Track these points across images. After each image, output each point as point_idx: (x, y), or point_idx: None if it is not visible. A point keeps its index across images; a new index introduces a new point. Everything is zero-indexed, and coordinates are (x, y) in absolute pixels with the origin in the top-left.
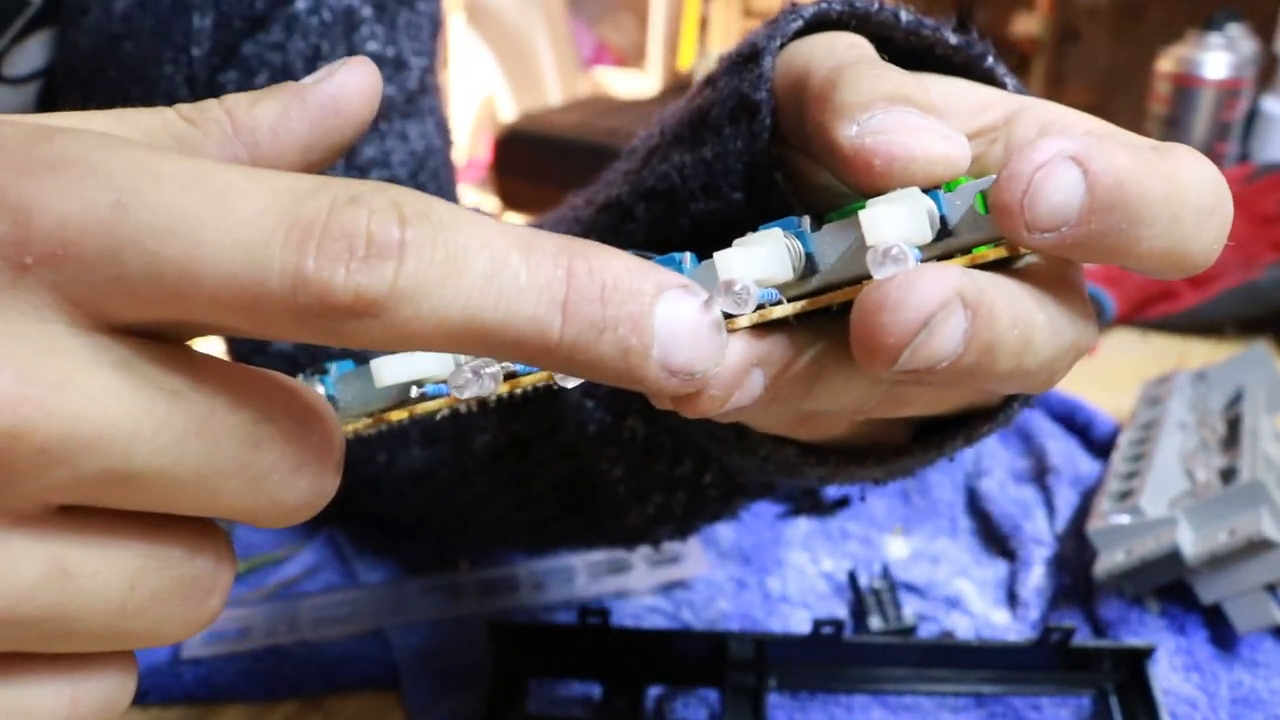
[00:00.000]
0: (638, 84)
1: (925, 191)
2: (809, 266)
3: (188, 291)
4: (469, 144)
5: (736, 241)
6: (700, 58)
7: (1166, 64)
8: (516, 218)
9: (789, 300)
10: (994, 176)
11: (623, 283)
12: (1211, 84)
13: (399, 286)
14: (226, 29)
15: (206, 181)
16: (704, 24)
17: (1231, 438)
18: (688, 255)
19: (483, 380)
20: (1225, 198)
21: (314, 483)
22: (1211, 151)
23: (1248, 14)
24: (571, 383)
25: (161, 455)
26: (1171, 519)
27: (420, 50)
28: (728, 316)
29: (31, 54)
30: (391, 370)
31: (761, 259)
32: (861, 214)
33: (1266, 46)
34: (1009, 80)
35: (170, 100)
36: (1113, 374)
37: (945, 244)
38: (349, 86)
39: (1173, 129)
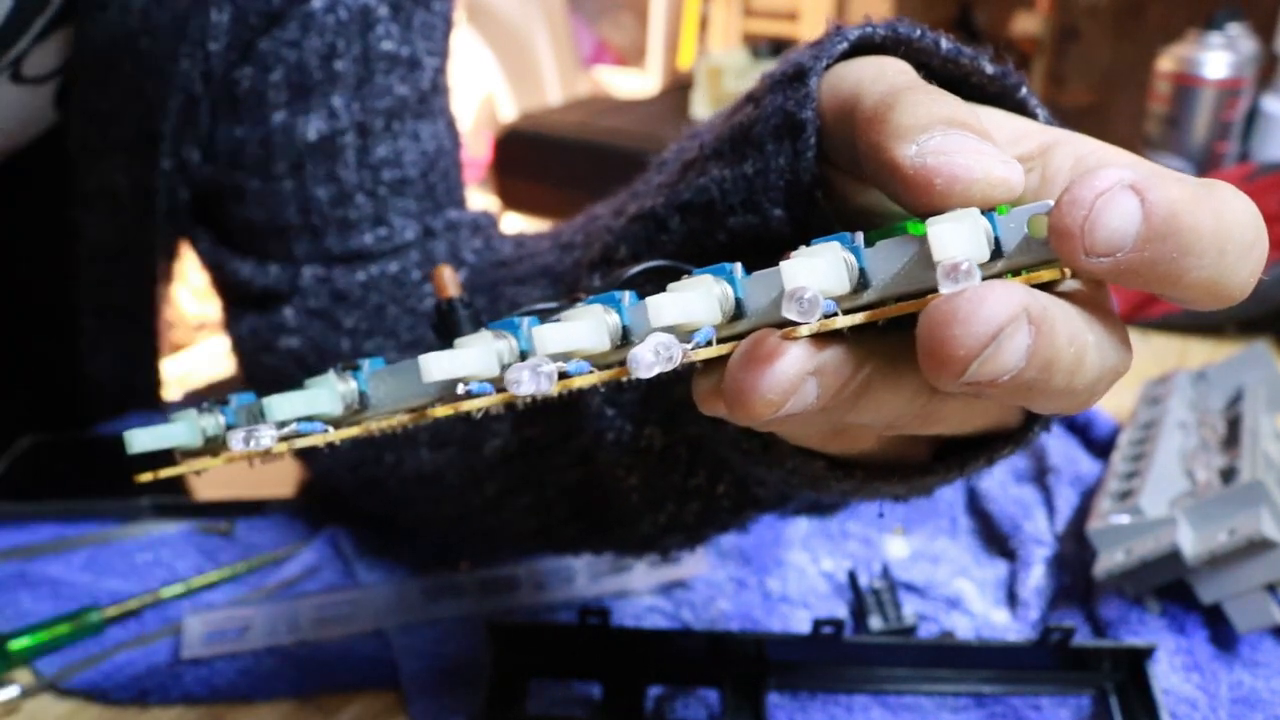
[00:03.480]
0: (638, 83)
1: (981, 213)
2: (862, 281)
3: None
4: (469, 143)
5: (794, 253)
6: (700, 57)
7: (1166, 64)
8: (516, 217)
9: (844, 313)
10: (1048, 202)
11: None
12: (1212, 84)
13: None
14: (243, 25)
15: None
16: (704, 23)
17: (1231, 437)
18: (738, 265)
19: (539, 379)
20: (1263, 233)
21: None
22: (1211, 151)
23: (1248, 13)
24: (644, 372)
25: None
26: (1171, 519)
27: (434, 50)
28: (790, 324)
29: (49, 52)
30: (439, 366)
31: (822, 270)
32: (931, 230)
33: (1266, 46)
34: (1040, 112)
35: (185, 95)
36: None
37: (996, 265)
38: None
39: (1173, 129)
